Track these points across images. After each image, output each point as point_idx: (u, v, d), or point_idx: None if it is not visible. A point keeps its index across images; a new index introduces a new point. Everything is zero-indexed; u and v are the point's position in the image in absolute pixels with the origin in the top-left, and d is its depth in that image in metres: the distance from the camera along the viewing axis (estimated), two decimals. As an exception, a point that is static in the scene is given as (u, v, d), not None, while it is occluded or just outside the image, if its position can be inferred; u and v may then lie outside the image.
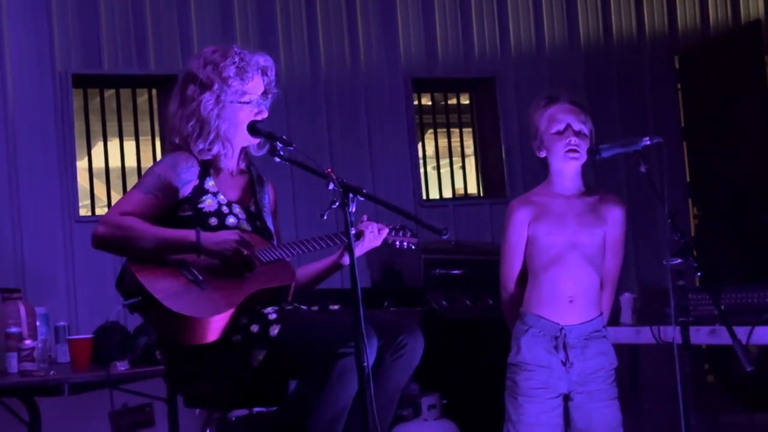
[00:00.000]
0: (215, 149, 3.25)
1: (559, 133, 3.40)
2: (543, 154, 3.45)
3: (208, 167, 3.27)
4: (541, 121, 3.44)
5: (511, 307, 3.50)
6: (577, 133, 3.39)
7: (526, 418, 3.38)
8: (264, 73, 3.32)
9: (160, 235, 3.09)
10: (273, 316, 3.07)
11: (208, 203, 3.22)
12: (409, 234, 3.51)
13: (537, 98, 3.52)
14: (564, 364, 3.37)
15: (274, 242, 3.32)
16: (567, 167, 3.42)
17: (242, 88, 3.25)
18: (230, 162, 3.33)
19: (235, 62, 3.26)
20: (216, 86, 3.23)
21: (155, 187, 3.18)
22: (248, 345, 3.05)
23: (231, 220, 3.23)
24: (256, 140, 3.30)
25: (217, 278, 3.10)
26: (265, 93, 3.31)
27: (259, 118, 3.27)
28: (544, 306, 3.39)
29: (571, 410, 3.41)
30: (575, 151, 3.37)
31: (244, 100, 3.25)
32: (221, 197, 3.25)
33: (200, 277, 3.09)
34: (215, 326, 3.03)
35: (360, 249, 3.33)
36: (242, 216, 3.27)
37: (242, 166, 3.38)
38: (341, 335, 2.91)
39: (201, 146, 3.25)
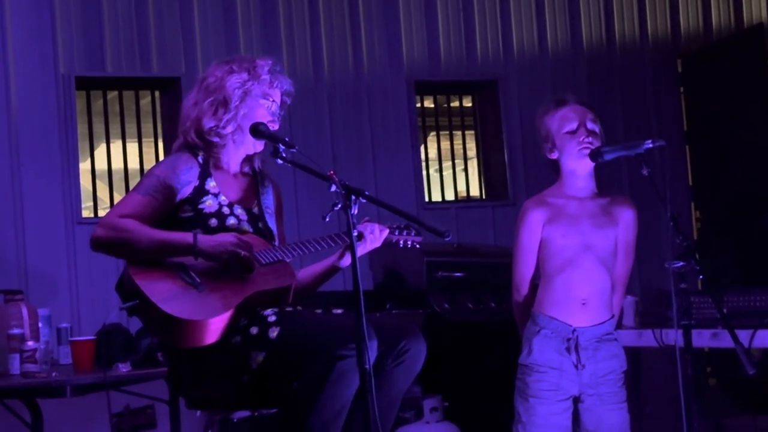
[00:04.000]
0: (227, 130, 3.23)
1: (572, 132, 3.39)
2: (555, 156, 3.44)
3: (209, 167, 3.27)
4: (552, 122, 3.44)
5: (523, 309, 3.49)
6: (590, 132, 3.39)
7: (536, 420, 3.38)
8: (284, 95, 3.35)
9: (157, 237, 3.09)
10: (272, 318, 3.07)
11: (208, 204, 3.22)
12: (413, 233, 3.50)
13: (545, 102, 3.52)
14: (576, 366, 3.36)
15: (276, 244, 3.32)
16: (580, 167, 3.41)
17: (268, 89, 3.28)
18: (232, 162, 3.33)
19: (269, 65, 3.30)
20: (246, 74, 3.26)
21: (154, 189, 3.17)
22: (247, 347, 3.05)
23: (231, 221, 3.22)
24: (261, 147, 3.31)
25: (215, 280, 3.10)
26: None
27: (270, 127, 3.27)
28: (556, 307, 3.39)
29: (581, 412, 3.41)
30: (589, 149, 3.37)
31: (266, 99, 3.26)
32: (222, 198, 3.25)
33: (198, 280, 3.08)
34: (213, 328, 3.03)
35: (360, 251, 3.32)
36: (244, 217, 3.26)
37: (246, 169, 3.38)
38: (340, 337, 2.91)
39: (213, 123, 3.23)
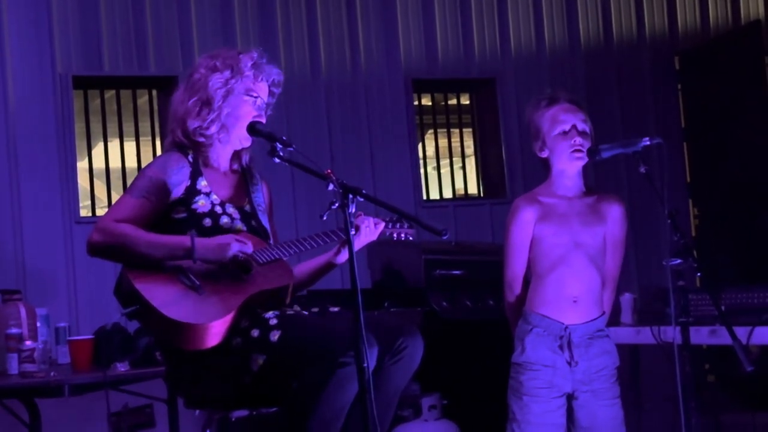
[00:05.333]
0: (212, 130, 3.23)
1: (564, 133, 3.39)
2: (545, 155, 3.45)
3: (199, 166, 3.26)
4: (542, 121, 3.44)
5: (515, 308, 3.49)
6: (581, 133, 3.39)
7: (531, 418, 3.38)
8: (272, 86, 3.33)
9: (154, 241, 3.08)
10: (274, 322, 3.06)
11: (201, 204, 3.20)
12: (406, 226, 3.50)
13: (535, 99, 3.51)
14: (569, 363, 3.37)
15: (271, 242, 3.31)
16: (571, 168, 3.42)
17: (254, 84, 3.26)
18: (222, 160, 3.33)
19: (253, 58, 3.28)
20: (228, 72, 3.24)
21: (147, 190, 3.16)
22: (248, 349, 3.04)
23: (225, 220, 3.21)
24: (249, 143, 3.30)
25: (214, 282, 3.09)
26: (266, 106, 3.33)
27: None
28: (548, 306, 3.40)
29: (575, 409, 3.42)
30: (580, 151, 3.38)
31: (250, 96, 3.25)
32: (214, 197, 3.24)
33: (197, 282, 3.07)
34: (215, 331, 3.02)
35: (356, 244, 3.31)
36: (236, 216, 3.25)
37: (235, 166, 3.37)
38: (342, 344, 2.90)
39: (198, 124, 3.23)
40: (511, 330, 3.54)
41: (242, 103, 3.25)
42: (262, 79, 3.29)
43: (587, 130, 3.42)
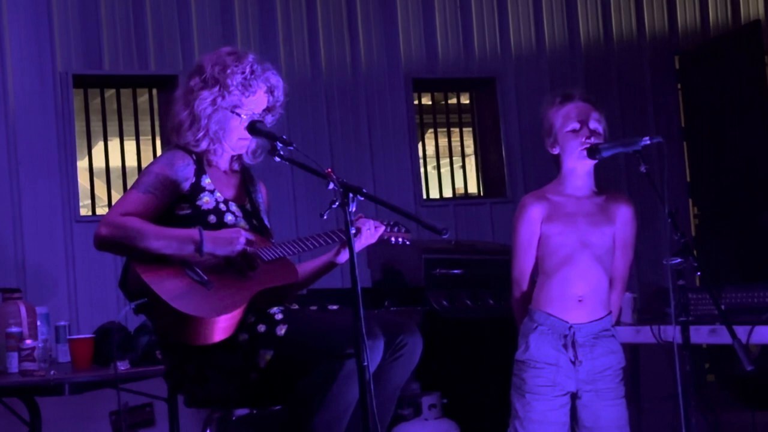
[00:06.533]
0: (203, 145, 3.26)
1: (575, 131, 3.39)
2: (556, 151, 3.44)
3: (203, 164, 3.27)
4: (556, 118, 3.43)
5: (522, 305, 3.49)
6: (593, 132, 3.38)
7: (533, 415, 3.38)
8: (270, 91, 3.33)
9: (163, 234, 3.08)
10: (279, 317, 3.07)
11: (206, 201, 3.22)
12: (403, 230, 3.52)
13: (551, 95, 3.50)
14: (573, 362, 3.37)
15: (273, 241, 3.32)
16: (581, 166, 3.41)
17: (240, 101, 3.25)
18: (222, 162, 3.34)
19: (244, 72, 3.26)
20: (216, 89, 3.24)
21: (154, 186, 3.17)
22: (255, 345, 3.05)
23: (229, 218, 3.23)
24: (244, 150, 3.31)
25: (221, 277, 3.09)
26: (268, 110, 3.32)
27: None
28: (553, 304, 3.39)
29: (578, 408, 3.41)
30: None
31: (237, 112, 3.25)
32: (218, 194, 3.25)
33: (205, 277, 3.07)
34: (222, 326, 3.02)
35: (356, 246, 3.32)
36: (239, 214, 3.27)
37: (235, 167, 3.38)
38: (349, 336, 2.90)
39: (189, 138, 3.25)
40: (517, 327, 3.54)
41: (229, 118, 3.25)
42: (252, 92, 3.28)
43: (600, 129, 3.41)
